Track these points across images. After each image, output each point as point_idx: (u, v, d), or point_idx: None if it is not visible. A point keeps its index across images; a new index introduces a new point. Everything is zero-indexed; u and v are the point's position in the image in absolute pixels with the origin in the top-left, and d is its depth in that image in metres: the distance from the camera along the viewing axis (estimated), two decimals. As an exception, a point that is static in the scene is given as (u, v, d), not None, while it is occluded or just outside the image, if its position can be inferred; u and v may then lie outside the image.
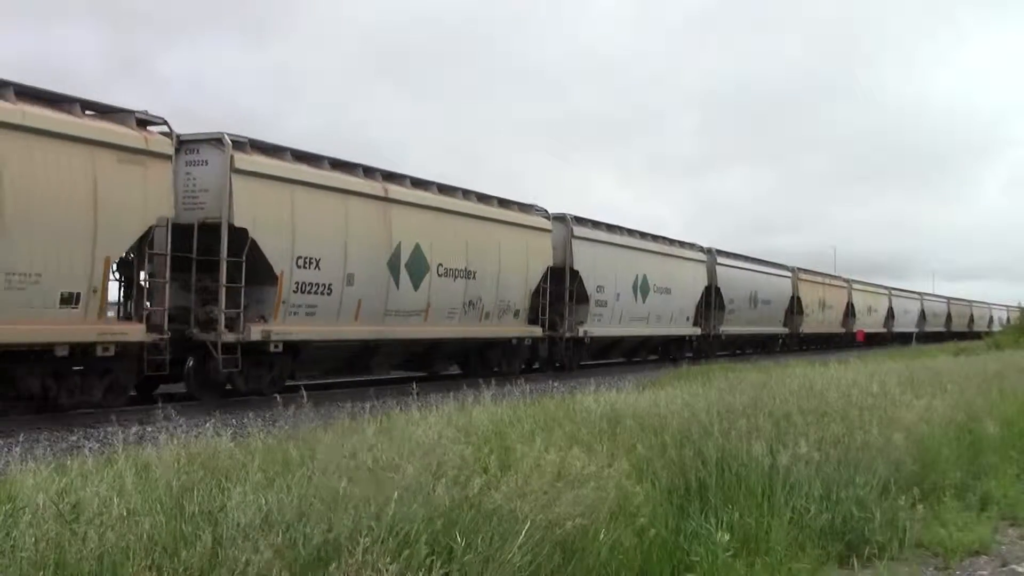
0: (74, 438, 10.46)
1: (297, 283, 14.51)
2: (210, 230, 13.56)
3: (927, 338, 56.30)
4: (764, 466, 6.24)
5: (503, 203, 20.36)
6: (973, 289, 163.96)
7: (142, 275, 12.88)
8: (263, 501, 4.19)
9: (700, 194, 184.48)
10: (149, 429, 10.45)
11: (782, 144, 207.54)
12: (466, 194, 19.10)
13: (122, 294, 13.12)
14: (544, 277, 21.48)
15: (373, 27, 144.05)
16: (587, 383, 15.35)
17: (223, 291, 13.46)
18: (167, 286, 12.91)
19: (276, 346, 14.30)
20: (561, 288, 22.42)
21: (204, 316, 13.79)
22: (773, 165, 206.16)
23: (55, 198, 11.04)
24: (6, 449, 8.98)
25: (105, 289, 11.84)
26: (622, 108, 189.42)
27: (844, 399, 8.89)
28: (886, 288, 56.97)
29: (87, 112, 11.98)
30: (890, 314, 55.48)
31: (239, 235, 13.59)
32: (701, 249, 31.69)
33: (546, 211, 22.16)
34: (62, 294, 11.25)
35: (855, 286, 50.08)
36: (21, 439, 9.53)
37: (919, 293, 65.12)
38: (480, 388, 9.12)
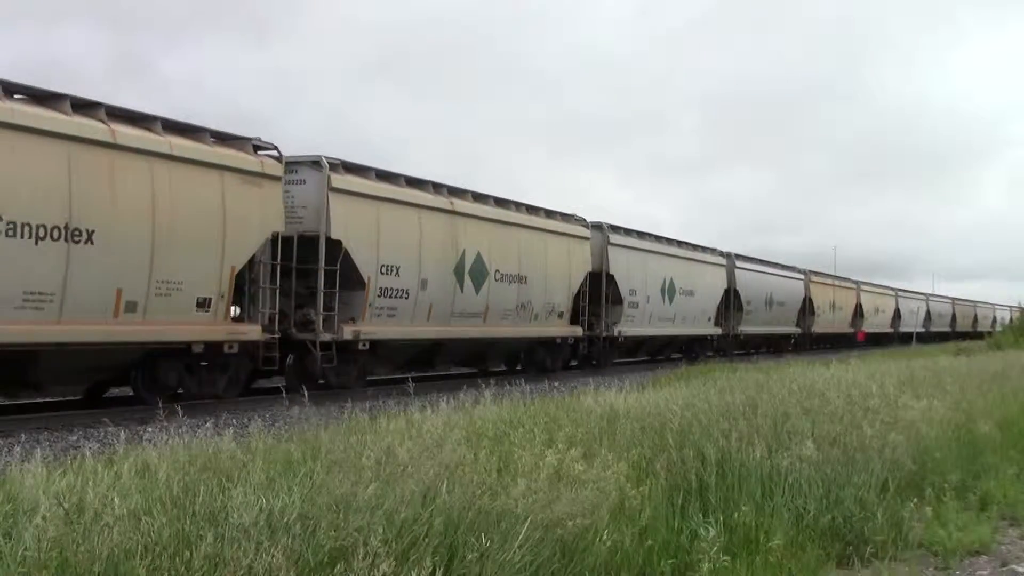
0: (74, 438, 10.69)
1: (381, 288, 16.32)
2: (308, 242, 15.37)
3: (933, 338, 57.54)
4: (765, 467, 6.34)
5: (548, 214, 22.23)
6: (973, 289, 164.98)
7: (258, 282, 14.53)
8: (264, 502, 4.17)
9: (700, 194, 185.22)
10: (149, 429, 10.65)
11: (782, 144, 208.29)
12: (518, 206, 20.99)
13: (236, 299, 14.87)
14: (584, 281, 23.32)
15: (374, 27, 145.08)
16: (617, 380, 16.83)
17: (321, 296, 15.27)
18: (276, 292, 14.67)
19: (364, 344, 16.11)
20: (598, 291, 24.29)
21: (301, 318, 15.58)
22: (773, 165, 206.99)
23: (194, 216, 12.84)
24: (6, 449, 9.11)
25: (230, 295, 13.65)
26: (622, 109, 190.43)
27: (845, 399, 8.92)
28: (892, 289, 58.95)
29: (212, 139, 13.77)
30: (897, 315, 57.39)
31: (334, 246, 15.40)
32: (721, 254, 33.53)
33: (585, 220, 24.02)
34: (198, 299, 13.08)
35: (863, 287, 51.88)
36: (22, 439, 10.00)
37: (924, 294, 66.93)
38: (481, 388, 9.42)
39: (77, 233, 11.21)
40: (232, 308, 14.78)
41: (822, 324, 44.25)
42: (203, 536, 3.77)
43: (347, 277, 15.76)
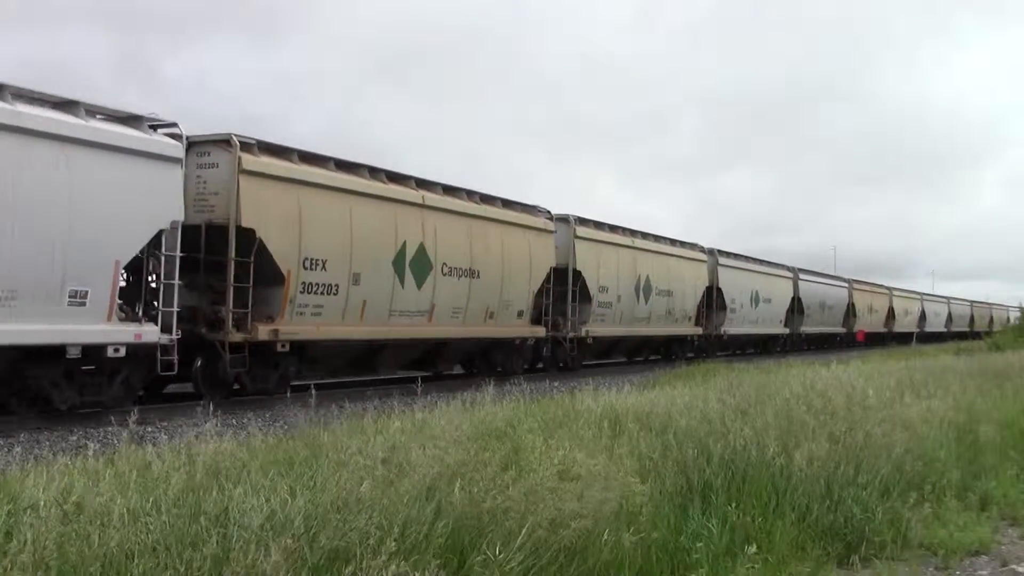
0: (74, 438, 10.51)
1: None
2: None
3: (952, 337, 59.88)
4: (771, 467, 6.26)
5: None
6: (973, 289, 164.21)
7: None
8: (265, 502, 4.14)
9: (701, 195, 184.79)
10: (149, 429, 10.60)
11: (782, 145, 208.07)
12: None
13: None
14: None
15: (377, 29, 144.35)
16: (586, 383, 15.62)
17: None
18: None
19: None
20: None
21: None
22: (773, 166, 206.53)
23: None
24: (6, 449, 9.03)
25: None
26: (623, 110, 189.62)
27: (846, 399, 8.87)
28: (918, 293, 64.57)
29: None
30: (922, 316, 62.52)
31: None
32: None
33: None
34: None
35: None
36: (22, 439, 9.68)
37: (946, 297, 72.46)
38: (482, 388, 9.13)
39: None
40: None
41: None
42: (206, 537, 3.75)
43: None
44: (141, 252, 12.43)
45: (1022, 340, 34.84)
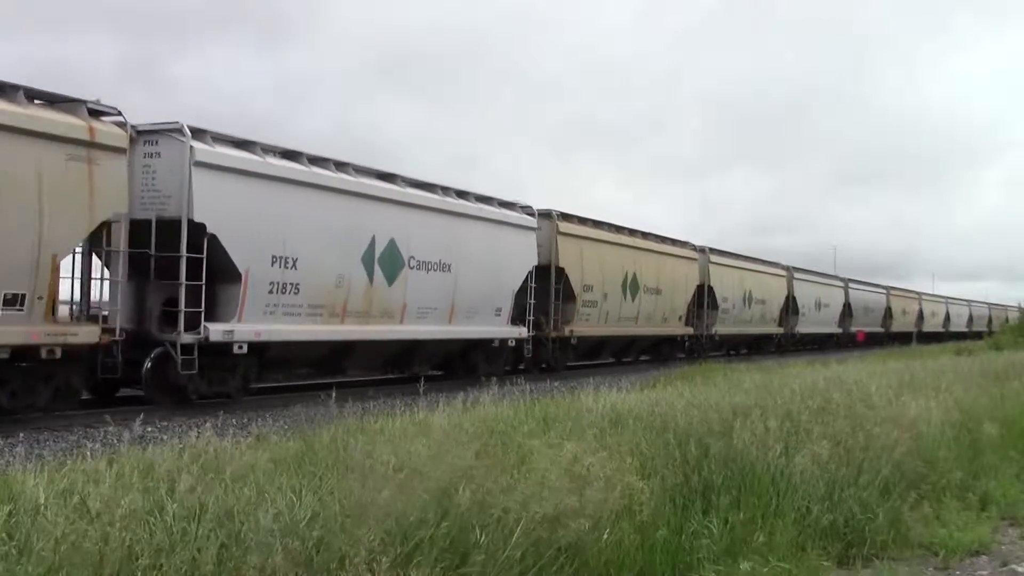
0: (74, 438, 10.43)
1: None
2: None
3: (972, 336, 61.46)
4: (773, 467, 6.25)
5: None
6: (972, 290, 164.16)
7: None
8: (269, 502, 4.20)
9: (701, 196, 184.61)
10: (150, 429, 10.69)
11: (783, 146, 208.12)
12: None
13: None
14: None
15: (379, 30, 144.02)
16: (587, 383, 15.11)
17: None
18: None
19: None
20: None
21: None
22: (774, 167, 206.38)
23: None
24: (7, 449, 8.87)
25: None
26: (623, 111, 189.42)
27: (846, 399, 8.92)
28: (943, 297, 70.16)
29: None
30: (947, 317, 68.67)
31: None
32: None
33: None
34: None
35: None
36: (22, 438, 9.38)
37: (967, 300, 78.13)
38: (483, 389, 9.14)
39: None
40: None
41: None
42: (211, 538, 3.80)
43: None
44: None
45: (1022, 340, 34.71)
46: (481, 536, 4.32)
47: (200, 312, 13.03)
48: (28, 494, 4.34)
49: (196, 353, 12.93)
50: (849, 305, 48.22)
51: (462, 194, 18.97)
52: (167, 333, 12.94)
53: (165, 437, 5.91)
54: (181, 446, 5.58)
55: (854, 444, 7.12)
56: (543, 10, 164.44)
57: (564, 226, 22.58)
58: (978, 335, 62.71)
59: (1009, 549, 6.66)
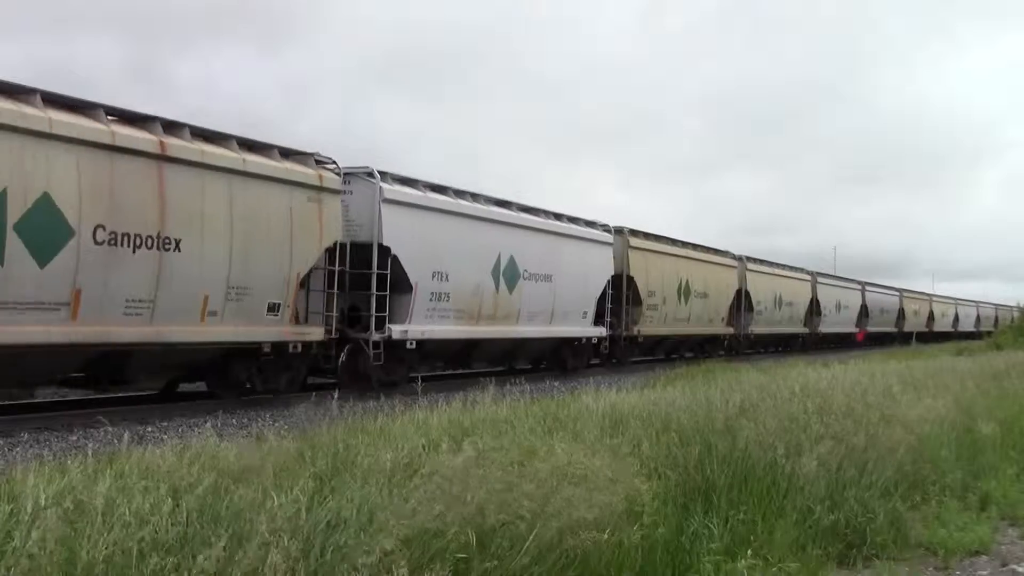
0: (74, 438, 10.68)
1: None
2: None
3: (963, 336, 64.51)
4: (774, 468, 6.34)
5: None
6: (971, 289, 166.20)
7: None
8: (276, 503, 4.13)
9: (701, 195, 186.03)
10: (150, 429, 10.96)
11: (783, 146, 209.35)
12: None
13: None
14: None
15: (381, 32, 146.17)
16: (588, 384, 16.80)
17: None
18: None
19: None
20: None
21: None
22: (774, 167, 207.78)
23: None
24: (7, 449, 9.11)
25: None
26: (624, 111, 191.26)
27: (847, 399, 8.91)
28: (953, 299, 73.64)
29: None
30: (956, 318, 72.02)
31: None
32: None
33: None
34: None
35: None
36: (23, 438, 10.05)
37: (977, 302, 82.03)
38: (483, 389, 9.17)
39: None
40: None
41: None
42: (213, 539, 3.69)
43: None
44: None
45: (1022, 340, 36.56)
46: (496, 541, 4.34)
47: (384, 316, 16.62)
48: (28, 493, 4.21)
49: (382, 348, 16.52)
50: (866, 306, 51.48)
51: (558, 216, 22.65)
52: (358, 332, 16.46)
53: (165, 437, 5.48)
54: (182, 446, 5.57)
55: (856, 444, 7.11)
56: (544, 10, 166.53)
57: (633, 241, 26.36)
58: (986, 335, 64.26)
59: (1009, 549, 6.60)
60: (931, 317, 64.60)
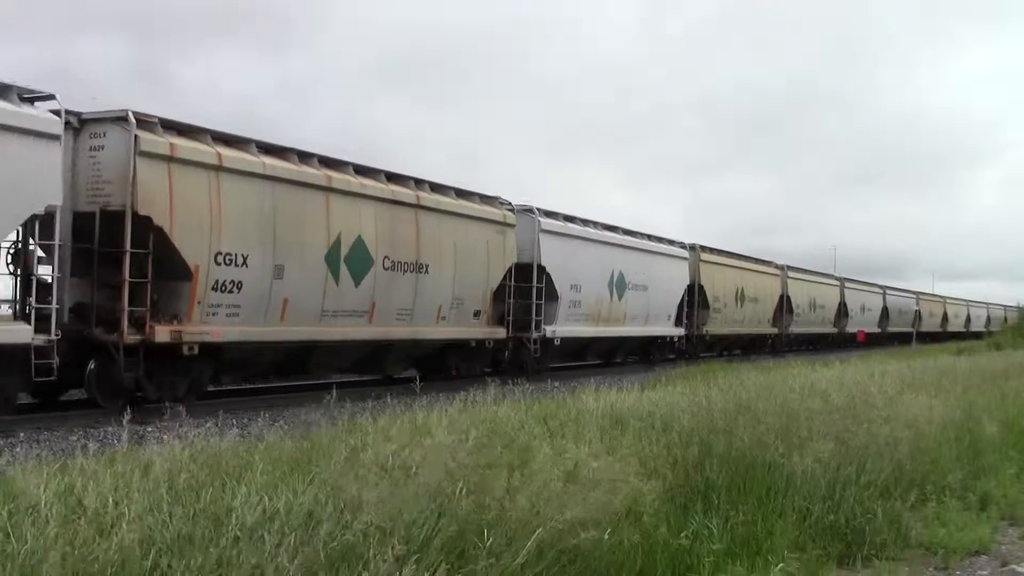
0: (74, 438, 10.35)
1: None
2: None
3: (975, 336, 66.71)
4: (774, 468, 6.32)
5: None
6: (970, 290, 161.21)
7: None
8: (269, 502, 4.11)
9: (701, 196, 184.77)
10: (150, 429, 10.43)
11: (782, 147, 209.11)
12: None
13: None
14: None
15: (381, 32, 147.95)
16: (588, 383, 15.58)
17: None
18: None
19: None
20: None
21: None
22: (773, 168, 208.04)
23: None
24: (6, 449, 9.08)
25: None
26: (624, 112, 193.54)
27: (847, 399, 8.79)
28: (965, 300, 77.84)
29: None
30: (968, 319, 76.27)
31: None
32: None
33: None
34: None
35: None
36: (22, 438, 10.00)
37: (987, 303, 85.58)
38: (484, 389, 8.94)
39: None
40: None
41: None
42: (210, 537, 3.73)
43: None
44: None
45: (1021, 340, 38.17)
46: (488, 539, 4.26)
47: (540, 319, 21.51)
48: (28, 493, 4.16)
49: (539, 344, 21.48)
50: (887, 308, 54.24)
51: (649, 237, 27.89)
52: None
53: (165, 437, 5.62)
54: (182, 445, 5.48)
55: (856, 443, 7.09)
56: (544, 11, 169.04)
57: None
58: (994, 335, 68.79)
59: (1009, 549, 6.60)
60: (945, 318, 68.67)
